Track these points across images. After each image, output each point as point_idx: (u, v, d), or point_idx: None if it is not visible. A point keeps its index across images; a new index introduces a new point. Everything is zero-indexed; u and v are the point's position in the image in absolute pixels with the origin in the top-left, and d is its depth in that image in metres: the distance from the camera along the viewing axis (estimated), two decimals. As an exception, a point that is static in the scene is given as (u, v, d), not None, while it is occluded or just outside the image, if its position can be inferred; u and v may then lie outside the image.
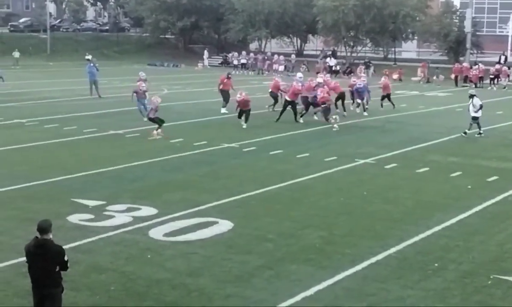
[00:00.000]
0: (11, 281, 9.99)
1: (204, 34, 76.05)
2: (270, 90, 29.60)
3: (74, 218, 13.20)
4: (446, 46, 58.59)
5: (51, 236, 7.77)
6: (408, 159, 20.15)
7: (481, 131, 24.08)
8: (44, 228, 7.72)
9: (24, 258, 7.91)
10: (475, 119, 24.00)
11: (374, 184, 17.01)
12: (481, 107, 23.97)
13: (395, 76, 38.82)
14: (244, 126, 24.84)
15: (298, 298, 9.77)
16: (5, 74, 41.86)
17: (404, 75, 51.76)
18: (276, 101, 29.08)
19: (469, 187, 16.74)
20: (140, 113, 25.72)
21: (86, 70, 35.76)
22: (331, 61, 57.76)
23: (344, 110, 29.00)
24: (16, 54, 56.66)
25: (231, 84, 29.75)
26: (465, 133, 23.94)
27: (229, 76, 30.52)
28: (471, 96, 24.32)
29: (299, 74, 31.03)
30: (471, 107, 24.11)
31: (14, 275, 10.14)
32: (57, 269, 7.83)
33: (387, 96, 31.68)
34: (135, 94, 26.18)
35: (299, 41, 71.73)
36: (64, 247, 8.08)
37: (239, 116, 25.39)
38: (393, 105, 31.39)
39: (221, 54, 67.93)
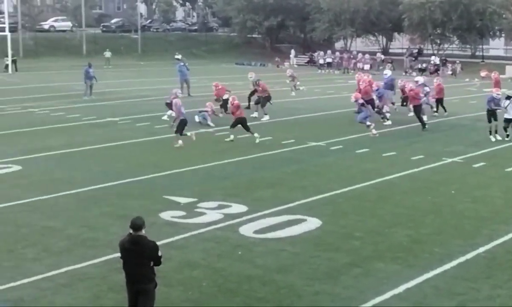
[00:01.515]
0: (106, 276, 10.35)
1: (290, 34, 76.39)
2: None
3: (167, 215, 13.59)
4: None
5: (144, 232, 8.02)
6: (497, 158, 19.76)
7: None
8: (138, 225, 7.97)
9: (118, 254, 8.23)
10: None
11: (462, 182, 16.79)
12: None
13: (483, 74, 37.95)
14: (257, 141, 21.76)
15: (386, 296, 9.82)
16: (97, 74, 43.26)
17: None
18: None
19: None
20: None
21: (177, 69, 36.61)
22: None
23: (445, 110, 28.38)
24: (108, 54, 58.41)
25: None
26: (507, 136, 22.51)
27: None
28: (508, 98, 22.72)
29: (387, 71, 30.83)
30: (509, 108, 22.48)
31: (109, 270, 10.50)
32: (151, 264, 8.08)
33: (440, 101, 28.86)
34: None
35: (384, 39, 70.95)
36: (157, 243, 8.45)
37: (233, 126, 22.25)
38: (445, 110, 28.74)
39: (306, 53, 67.99)
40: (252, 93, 29.40)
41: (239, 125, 22.04)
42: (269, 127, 25.01)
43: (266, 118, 26.77)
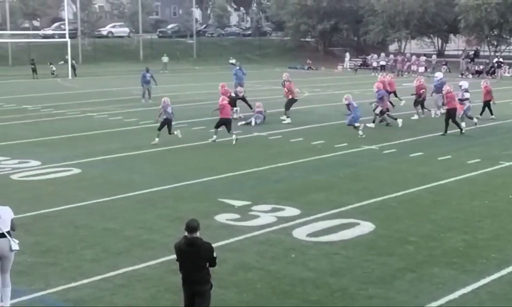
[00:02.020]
0: (163, 278, 10.53)
1: (343, 37, 76.13)
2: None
3: (221, 218, 13.76)
4: None
5: (199, 234, 8.16)
6: (558, 162, 19.36)
7: None
8: (193, 227, 8.12)
9: (175, 256, 8.38)
10: None
11: (521, 187, 16.52)
12: None
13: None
14: (234, 143, 22.15)
15: (441, 301, 9.77)
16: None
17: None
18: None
19: None
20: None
21: (232, 73, 37.02)
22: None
23: (491, 113, 27.90)
24: (165, 59, 59.26)
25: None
26: None
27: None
28: None
29: (438, 73, 30.54)
30: None
31: (166, 272, 10.68)
32: (207, 266, 8.23)
33: (487, 103, 28.04)
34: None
35: (440, 41, 70.03)
36: (213, 245, 8.60)
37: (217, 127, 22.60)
38: (491, 113, 28.05)
39: (360, 56, 67.68)
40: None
41: (223, 126, 22.39)
42: (322, 131, 25.03)
43: (287, 121, 26.79)
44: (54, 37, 64.91)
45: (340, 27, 72.50)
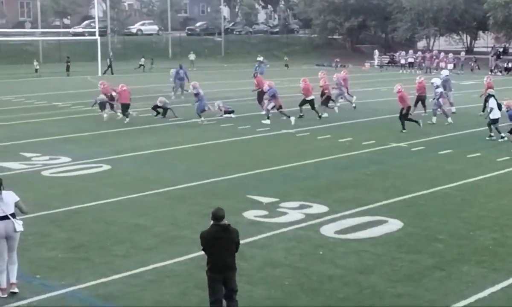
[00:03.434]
0: (192, 274, 10.60)
1: (371, 34, 75.81)
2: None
3: (250, 214, 13.82)
4: None
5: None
6: None
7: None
8: (221, 215, 8.46)
9: (203, 252, 8.58)
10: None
11: (552, 186, 16.36)
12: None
13: None
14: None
15: (471, 299, 9.73)
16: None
17: None
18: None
19: None
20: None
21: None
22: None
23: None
24: (192, 56, 59.52)
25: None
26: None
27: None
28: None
29: (444, 71, 30.69)
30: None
31: (196, 267, 10.73)
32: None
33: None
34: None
35: (468, 38, 69.41)
36: (240, 242, 8.74)
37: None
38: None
39: (388, 54, 67.33)
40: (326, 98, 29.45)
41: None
42: (349, 128, 24.99)
43: (292, 119, 26.21)
44: (84, 35, 65.63)
45: (368, 24, 72.16)
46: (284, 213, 13.96)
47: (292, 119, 25.83)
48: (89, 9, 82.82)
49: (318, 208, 14.32)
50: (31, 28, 69.94)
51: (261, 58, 44.18)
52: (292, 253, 11.66)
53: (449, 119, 25.92)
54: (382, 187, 16.20)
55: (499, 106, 22.40)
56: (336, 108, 29.08)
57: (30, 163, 18.96)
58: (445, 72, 30.99)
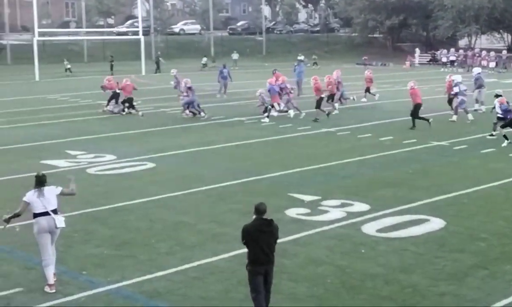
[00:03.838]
0: (235, 271, 10.67)
1: (412, 32, 75.19)
2: None
3: (292, 212, 13.90)
4: None
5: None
6: None
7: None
8: (264, 209, 8.65)
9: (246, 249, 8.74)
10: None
11: None
12: None
13: None
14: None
15: (514, 298, 9.69)
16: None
17: None
18: None
19: None
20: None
21: (296, 70, 37.48)
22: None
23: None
24: (235, 55, 59.84)
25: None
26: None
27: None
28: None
29: (475, 69, 30.32)
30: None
31: (239, 264, 10.70)
32: None
33: None
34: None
35: (510, 36, 68.36)
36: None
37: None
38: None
39: (429, 52, 66.68)
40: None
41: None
42: (390, 127, 24.89)
43: (290, 112, 27.43)
44: (127, 35, 66.45)
45: (409, 22, 71.60)
46: (326, 211, 14.01)
47: (291, 112, 27.17)
48: (133, 9, 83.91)
49: (359, 206, 14.33)
50: (76, 28, 71.12)
51: (302, 57, 44.13)
52: (334, 251, 11.70)
53: (455, 118, 25.85)
54: (423, 186, 16.13)
55: None
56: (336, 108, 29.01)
57: (76, 161, 19.32)
58: (476, 70, 30.69)
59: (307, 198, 14.99)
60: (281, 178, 17.16)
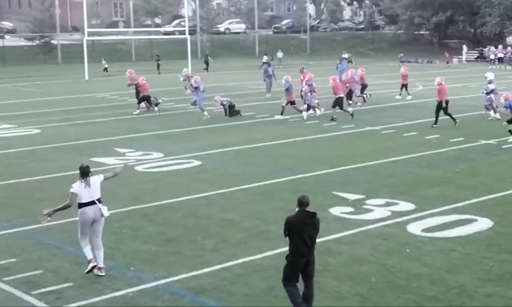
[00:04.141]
0: (280, 268, 10.43)
1: (459, 29, 74.20)
2: None
3: (336, 211, 13.92)
4: None
5: None
6: None
7: None
8: (307, 202, 8.80)
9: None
10: None
11: None
12: None
13: None
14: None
15: None
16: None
17: None
18: None
19: None
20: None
21: (338, 68, 37.50)
22: None
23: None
24: (280, 54, 59.89)
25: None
26: None
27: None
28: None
29: (488, 74, 29.58)
30: None
31: (283, 262, 10.57)
32: None
33: None
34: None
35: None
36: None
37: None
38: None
39: (476, 49, 65.71)
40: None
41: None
42: (437, 125, 24.62)
43: (304, 114, 27.06)
44: (174, 34, 67.11)
45: (456, 19, 70.68)
46: (370, 210, 13.99)
47: (304, 114, 26.79)
48: (179, 8, 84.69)
49: (404, 205, 14.26)
50: (124, 27, 72.10)
51: (346, 55, 44.03)
52: (379, 250, 11.68)
53: (494, 114, 25.62)
54: (471, 185, 15.97)
55: None
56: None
57: (124, 159, 19.59)
58: (490, 76, 29.98)
59: (352, 196, 14.98)
60: (325, 176, 17.18)
